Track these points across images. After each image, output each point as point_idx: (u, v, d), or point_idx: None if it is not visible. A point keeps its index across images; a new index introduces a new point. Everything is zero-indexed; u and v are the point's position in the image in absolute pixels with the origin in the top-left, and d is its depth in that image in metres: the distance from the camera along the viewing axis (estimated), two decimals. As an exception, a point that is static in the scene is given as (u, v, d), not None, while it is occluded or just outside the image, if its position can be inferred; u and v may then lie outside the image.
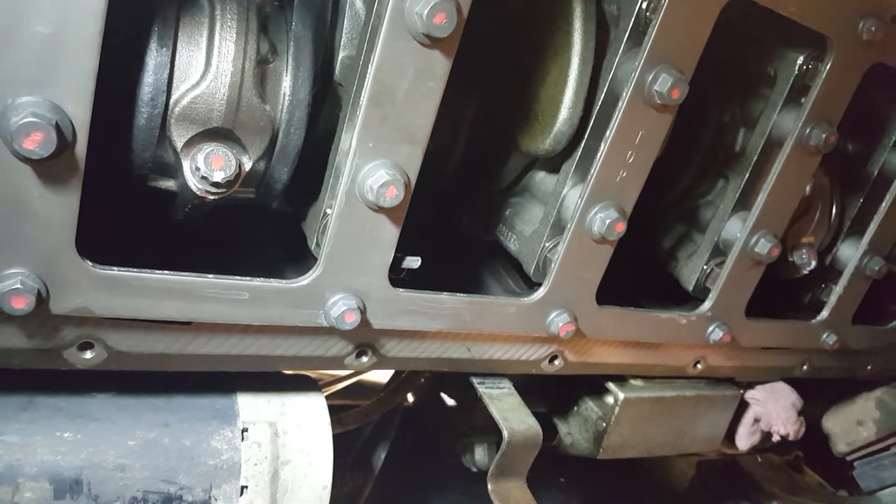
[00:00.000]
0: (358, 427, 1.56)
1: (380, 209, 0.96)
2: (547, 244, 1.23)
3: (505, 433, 1.17)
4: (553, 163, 1.25)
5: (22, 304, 0.82)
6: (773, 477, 2.55)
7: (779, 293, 1.70)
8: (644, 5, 1.06)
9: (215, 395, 1.11)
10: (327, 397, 1.20)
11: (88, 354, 0.93)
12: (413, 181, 0.98)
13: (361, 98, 0.90)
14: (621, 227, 1.15)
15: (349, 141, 0.93)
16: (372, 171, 0.94)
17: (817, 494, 2.44)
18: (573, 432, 1.55)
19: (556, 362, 1.33)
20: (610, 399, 1.45)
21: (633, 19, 1.07)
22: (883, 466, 2.10)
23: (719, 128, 1.40)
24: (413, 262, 1.06)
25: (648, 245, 1.53)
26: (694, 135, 1.41)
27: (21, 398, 0.96)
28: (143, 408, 1.03)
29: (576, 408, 1.55)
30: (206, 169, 0.86)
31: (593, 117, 1.13)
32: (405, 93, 0.92)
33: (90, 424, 0.97)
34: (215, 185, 0.87)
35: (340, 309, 1.01)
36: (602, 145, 1.11)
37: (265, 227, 1.25)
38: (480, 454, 1.68)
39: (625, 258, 1.51)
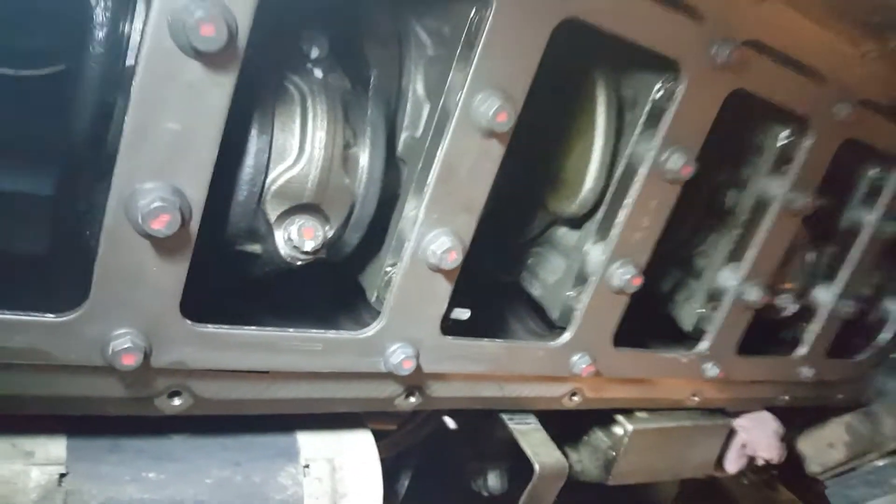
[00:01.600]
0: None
1: (439, 270, 1.09)
2: (570, 293, 1.37)
3: (536, 466, 1.30)
4: (575, 221, 1.40)
5: (131, 361, 0.91)
6: (750, 495, 2.71)
7: (762, 331, 1.87)
8: (658, 96, 1.22)
9: (278, 434, 1.21)
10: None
11: (177, 401, 1.03)
12: (468, 245, 1.11)
13: (430, 177, 1.04)
14: (638, 282, 1.30)
15: (415, 210, 1.06)
16: (435, 238, 1.06)
17: (791, 512, 2.61)
18: (584, 460, 1.68)
19: (576, 398, 1.47)
20: (619, 430, 1.59)
21: (649, 106, 1.23)
22: (852, 486, 2.27)
23: (714, 188, 1.56)
24: (462, 313, 1.18)
25: (650, 288, 1.68)
26: (692, 192, 1.57)
27: (107, 440, 1.04)
28: (215, 448, 1.13)
29: (586, 437, 1.68)
30: (298, 239, 0.98)
31: (614, 186, 1.28)
32: (467, 172, 1.05)
33: (170, 465, 1.07)
34: (305, 253, 0.99)
35: (399, 357, 1.13)
36: (622, 212, 1.26)
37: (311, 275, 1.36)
38: (493, 480, 1.79)
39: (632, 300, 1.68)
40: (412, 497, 1.73)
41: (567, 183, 1.30)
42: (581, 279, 1.34)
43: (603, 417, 1.63)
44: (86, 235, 1.08)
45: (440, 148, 1.02)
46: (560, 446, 1.72)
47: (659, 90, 1.22)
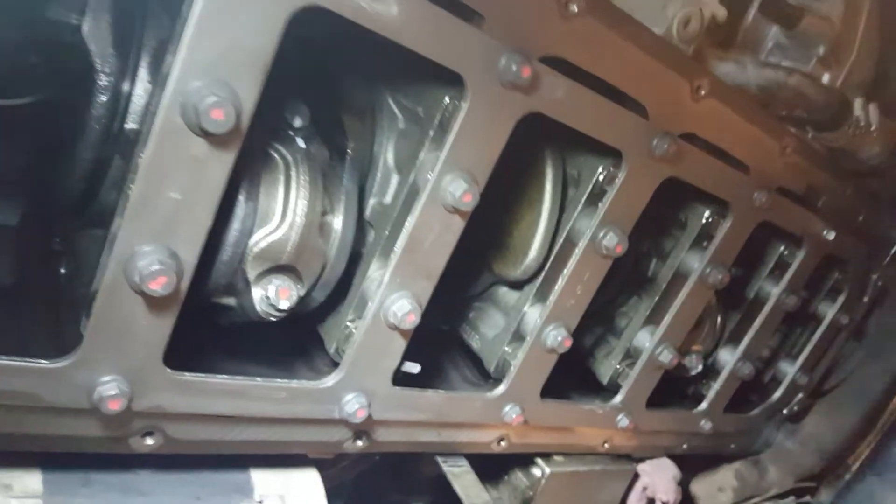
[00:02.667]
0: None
1: (397, 329, 1.25)
2: (507, 349, 1.56)
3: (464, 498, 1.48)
4: (516, 283, 1.59)
5: (116, 406, 1.02)
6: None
7: (667, 385, 2.14)
8: (601, 178, 1.43)
9: (233, 470, 1.33)
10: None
11: (149, 441, 1.13)
12: (424, 308, 1.27)
13: (397, 245, 1.20)
14: (568, 343, 1.51)
15: (380, 272, 1.22)
16: (397, 300, 1.23)
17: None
18: (504, 499, 1.88)
19: (503, 443, 1.66)
20: (537, 472, 1.80)
21: (591, 186, 1.45)
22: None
23: (639, 257, 1.81)
24: (413, 367, 1.35)
25: (575, 343, 1.91)
26: (619, 260, 1.81)
27: (79, 475, 1.14)
28: (177, 483, 1.23)
29: (506, 477, 1.87)
30: (275, 298, 1.12)
31: (553, 256, 1.49)
32: (430, 244, 1.22)
33: (138, 499, 1.17)
34: (279, 311, 1.13)
35: (354, 406, 1.28)
36: (559, 280, 1.47)
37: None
38: (415, 514, 1.96)
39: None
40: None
41: (513, 249, 1.50)
42: (518, 337, 1.54)
43: (523, 459, 1.84)
44: (63, 275, 1.17)
45: (408, 219, 1.19)
46: (483, 485, 1.92)
47: (601, 173, 1.44)
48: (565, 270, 1.46)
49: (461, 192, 1.17)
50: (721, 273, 1.71)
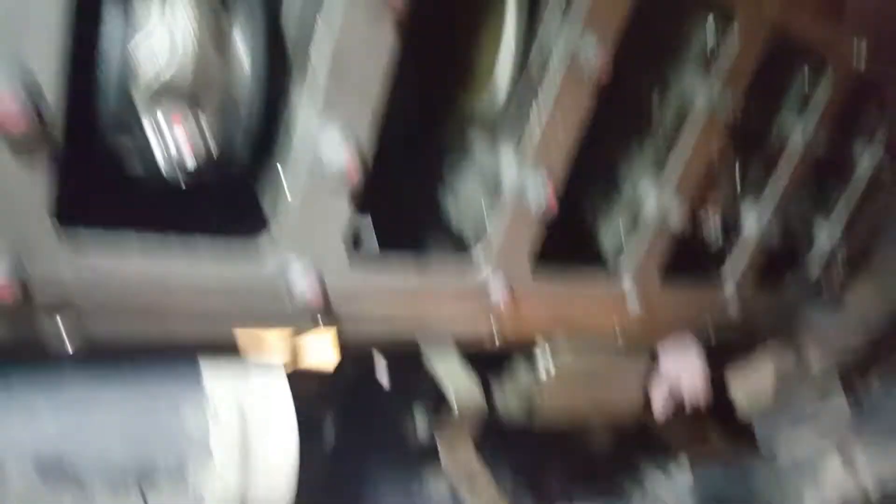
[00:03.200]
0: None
1: (337, 176, 1.03)
2: (485, 211, 1.34)
3: (454, 403, 1.28)
4: (490, 125, 1.35)
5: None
6: (681, 436, 2.81)
7: (686, 259, 1.92)
8: None
9: (184, 373, 1.14)
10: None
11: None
12: (367, 147, 1.05)
13: (318, 65, 0.98)
14: (553, 199, 1.29)
15: (304, 106, 1.00)
16: (329, 139, 1.01)
17: (723, 454, 2.72)
18: (507, 398, 1.67)
19: (491, 329, 1.44)
20: (541, 367, 1.59)
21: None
22: (778, 424, 2.39)
23: (637, 93, 1.56)
24: (369, 237, 1.14)
25: (573, 213, 1.68)
26: (613, 98, 1.57)
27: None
28: (115, 386, 1.05)
29: (509, 374, 1.67)
30: (167, 127, 0.90)
31: (526, 83, 1.25)
32: (359, 61, 1.00)
33: (66, 403, 0.99)
34: (178, 149, 0.91)
35: (297, 278, 1.07)
36: (534, 113, 1.23)
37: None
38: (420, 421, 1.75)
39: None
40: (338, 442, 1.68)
41: (477, 77, 1.27)
42: (495, 194, 1.31)
43: (526, 354, 1.63)
44: None
45: (329, 33, 0.96)
46: (485, 385, 1.72)
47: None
48: (540, 100, 1.23)
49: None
50: (730, 103, 1.47)
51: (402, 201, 1.43)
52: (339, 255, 1.12)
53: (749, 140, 1.81)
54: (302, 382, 1.53)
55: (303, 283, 1.07)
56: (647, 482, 2.71)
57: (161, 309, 1.01)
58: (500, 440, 2.42)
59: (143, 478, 1.01)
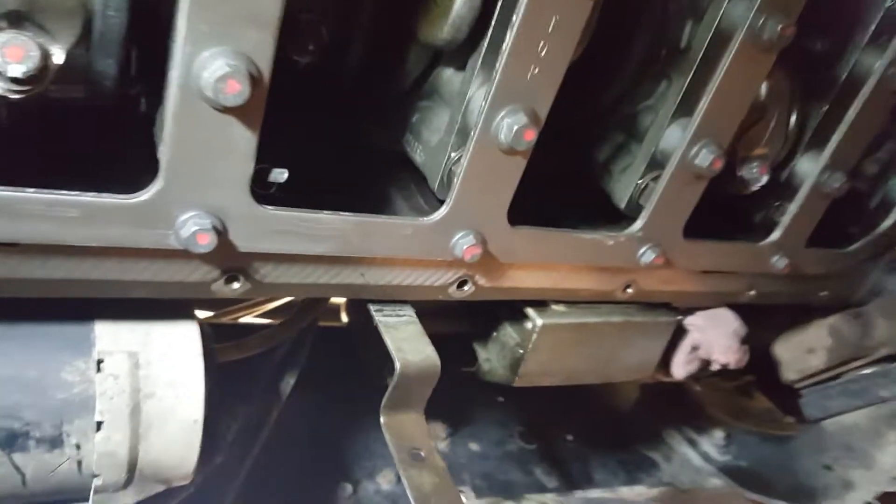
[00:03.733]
0: (266, 352, 1.50)
1: (225, 109, 0.85)
2: (453, 155, 1.13)
3: (397, 364, 1.11)
4: (460, 58, 1.13)
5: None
6: (719, 401, 2.59)
7: (730, 211, 1.64)
8: None
9: (70, 324, 1.04)
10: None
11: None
12: (266, 74, 0.86)
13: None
14: (531, 136, 1.06)
15: (180, 25, 0.81)
16: (210, 61, 0.81)
17: (762, 420, 2.49)
18: (492, 358, 1.51)
19: (466, 288, 1.27)
20: (528, 325, 1.40)
21: None
22: (830, 396, 2.12)
23: (663, 18, 1.27)
24: (280, 174, 0.96)
25: (582, 158, 1.44)
26: (633, 26, 1.29)
27: None
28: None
29: (495, 333, 1.50)
30: (2, 62, 0.74)
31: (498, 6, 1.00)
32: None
33: None
34: (15, 80, 0.75)
35: (191, 229, 0.91)
36: (508, 35, 0.99)
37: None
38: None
39: (556, 173, 1.44)
40: (300, 399, 1.59)
41: (438, 2, 1.03)
42: (464, 135, 1.10)
43: (516, 311, 1.44)
44: None
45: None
46: (469, 341, 1.56)
47: None
48: (515, 19, 0.98)
49: None
50: (780, 24, 1.15)
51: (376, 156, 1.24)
52: (243, 203, 0.94)
53: (815, 75, 1.48)
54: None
55: (193, 234, 0.91)
56: (676, 446, 2.53)
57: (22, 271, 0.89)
58: (506, 392, 2.31)
59: (11, 437, 0.92)
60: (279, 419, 1.54)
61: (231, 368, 1.42)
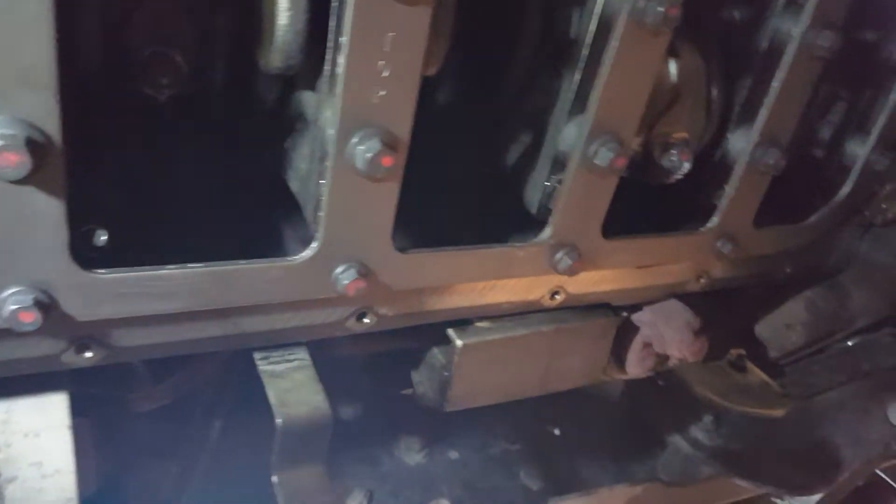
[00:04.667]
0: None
1: (16, 183, 0.78)
2: (322, 182, 1.05)
3: (278, 420, 1.04)
4: (313, 79, 1.04)
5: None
6: (708, 380, 2.48)
7: (675, 197, 1.53)
8: None
9: None
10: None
11: None
12: (56, 137, 0.78)
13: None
14: (389, 162, 0.97)
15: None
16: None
17: (754, 397, 2.38)
18: (423, 381, 1.44)
19: (367, 319, 1.19)
20: (451, 346, 1.33)
21: None
22: (813, 371, 2.02)
23: (546, 8, 1.17)
24: (100, 236, 0.89)
25: (490, 161, 1.35)
26: (516, 19, 1.19)
27: None
28: None
29: (426, 355, 1.42)
30: None
31: (334, 15, 0.91)
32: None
33: None
34: None
35: (10, 308, 0.85)
36: (340, 57, 0.90)
37: None
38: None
39: (466, 181, 1.35)
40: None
41: (265, 23, 0.94)
42: (323, 158, 1.01)
43: (439, 331, 1.36)
44: None
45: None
46: (404, 365, 1.50)
47: None
48: (344, 39, 0.89)
49: None
50: (662, 5, 1.04)
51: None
52: (68, 270, 0.88)
53: (736, 46, 1.36)
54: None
55: (16, 312, 0.85)
56: (665, 435, 2.43)
57: None
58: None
59: None
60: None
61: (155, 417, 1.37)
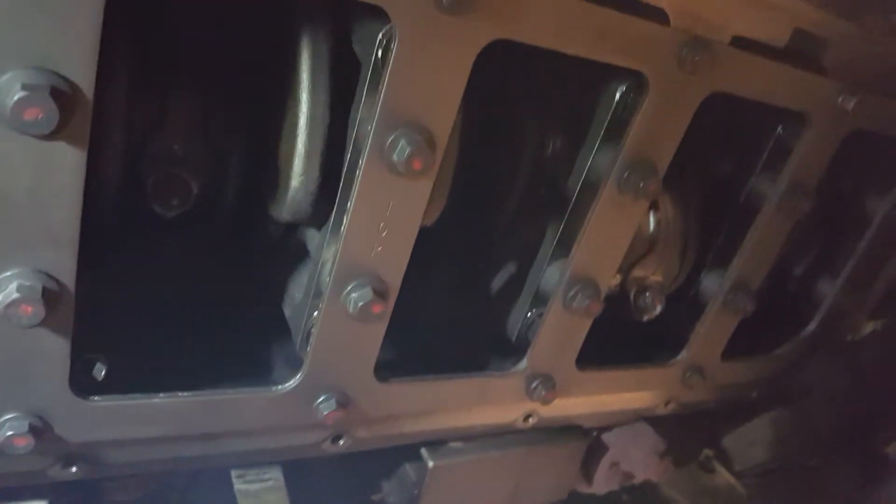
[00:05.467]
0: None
1: (31, 327, 0.83)
2: (314, 315, 1.11)
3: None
4: (320, 218, 1.11)
5: None
6: (677, 480, 2.52)
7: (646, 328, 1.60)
8: (380, 53, 0.90)
9: None
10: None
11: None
12: (71, 284, 0.84)
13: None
14: (378, 309, 1.03)
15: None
16: (3, 285, 0.80)
17: (721, 501, 2.43)
18: (393, 493, 1.48)
19: (343, 441, 1.24)
20: (422, 465, 1.37)
21: (371, 65, 0.92)
22: (774, 489, 2.07)
23: (538, 162, 1.26)
24: (99, 371, 0.94)
25: (474, 287, 1.42)
26: (511, 166, 1.28)
27: None
28: None
29: (396, 468, 1.46)
30: None
31: (343, 180, 0.99)
32: (28, 192, 0.77)
33: None
34: None
35: (6, 433, 0.89)
36: (345, 218, 0.97)
37: None
38: None
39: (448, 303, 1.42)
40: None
41: (279, 181, 1.01)
42: (319, 297, 1.08)
43: (412, 448, 1.41)
44: None
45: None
46: (369, 480, 1.53)
47: (384, 37, 0.90)
48: (349, 204, 0.97)
49: (16, 99, 0.70)
50: (643, 179, 1.13)
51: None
52: (65, 399, 0.92)
53: (716, 196, 1.46)
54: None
55: (11, 438, 0.89)
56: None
57: None
58: None
59: None
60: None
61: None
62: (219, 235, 1.22)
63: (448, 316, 1.41)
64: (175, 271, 1.20)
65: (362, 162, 0.93)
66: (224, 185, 1.17)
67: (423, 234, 1.10)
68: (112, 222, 1.06)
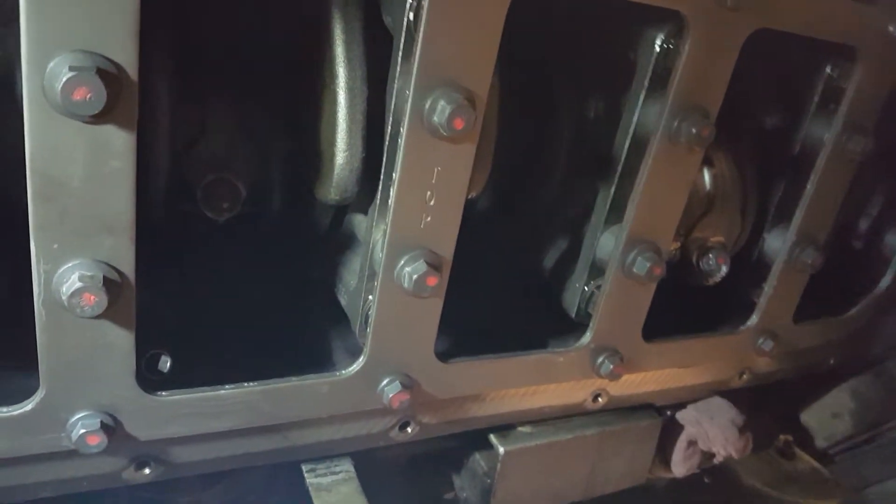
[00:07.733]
0: None
1: (92, 318, 0.84)
2: (370, 298, 1.10)
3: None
4: (366, 203, 1.11)
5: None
6: (756, 468, 2.42)
7: (711, 296, 1.55)
8: (412, 16, 0.90)
9: None
10: None
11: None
12: (130, 274, 0.85)
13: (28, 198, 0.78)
14: (434, 281, 1.02)
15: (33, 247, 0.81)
16: (66, 276, 0.81)
17: (805, 487, 2.31)
18: (465, 487, 1.44)
19: (409, 429, 1.22)
20: (493, 452, 1.34)
21: (403, 29, 0.92)
22: (863, 461, 1.97)
23: (581, 126, 1.24)
24: (164, 363, 0.94)
25: (531, 264, 1.39)
26: (552, 135, 1.26)
27: None
28: None
29: (467, 460, 1.43)
30: None
31: (385, 153, 0.99)
32: (82, 180, 0.78)
33: None
34: None
35: (79, 431, 0.90)
36: (391, 191, 0.97)
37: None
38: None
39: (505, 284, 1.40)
40: None
41: (323, 161, 1.02)
42: (373, 279, 1.07)
43: (479, 437, 1.38)
44: None
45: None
46: (444, 472, 1.51)
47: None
48: (395, 174, 0.96)
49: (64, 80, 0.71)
50: (695, 126, 1.09)
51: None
52: (132, 396, 0.93)
53: (770, 151, 1.41)
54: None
55: (84, 436, 0.90)
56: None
57: None
58: None
59: None
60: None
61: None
62: (269, 231, 1.23)
63: (503, 299, 1.39)
64: (230, 274, 1.21)
65: (403, 130, 0.92)
66: (270, 182, 1.18)
67: (471, 207, 1.09)
68: (163, 221, 1.08)
